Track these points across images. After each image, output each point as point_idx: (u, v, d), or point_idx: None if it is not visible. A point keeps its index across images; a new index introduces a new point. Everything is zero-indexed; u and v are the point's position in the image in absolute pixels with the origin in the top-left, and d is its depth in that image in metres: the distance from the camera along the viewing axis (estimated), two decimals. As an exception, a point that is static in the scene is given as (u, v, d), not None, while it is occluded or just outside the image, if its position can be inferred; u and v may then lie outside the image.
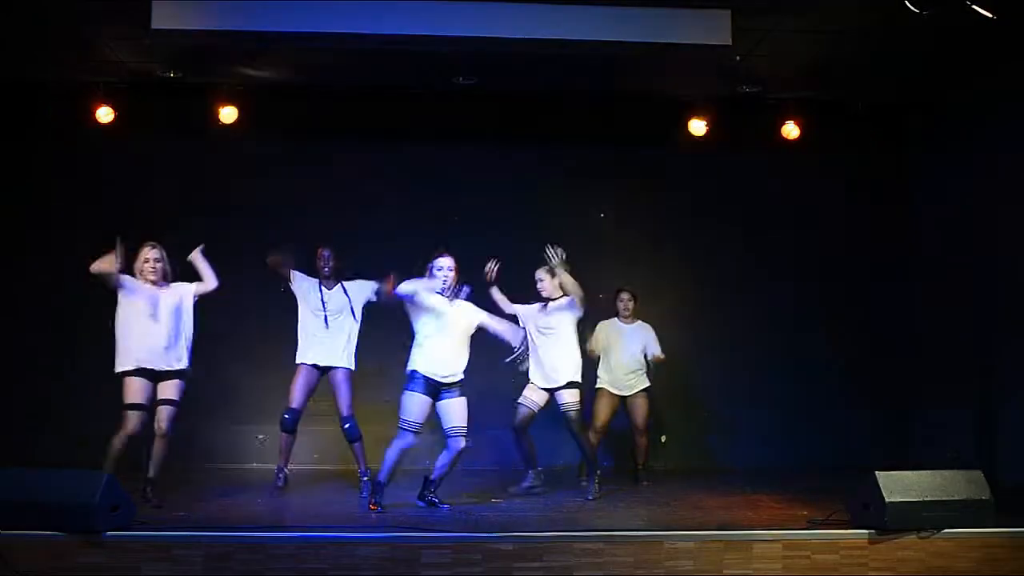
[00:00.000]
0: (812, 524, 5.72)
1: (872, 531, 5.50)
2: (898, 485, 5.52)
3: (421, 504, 6.38)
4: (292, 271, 7.07)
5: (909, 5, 5.88)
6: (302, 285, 7.09)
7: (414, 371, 6.25)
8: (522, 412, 7.10)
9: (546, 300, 7.11)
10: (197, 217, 8.45)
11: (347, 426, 7.01)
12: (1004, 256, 7.73)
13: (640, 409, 7.64)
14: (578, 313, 7.00)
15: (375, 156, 8.83)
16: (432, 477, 6.42)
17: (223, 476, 7.78)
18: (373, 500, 6.27)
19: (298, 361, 7.06)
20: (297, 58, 7.75)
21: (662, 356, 7.63)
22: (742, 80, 8.20)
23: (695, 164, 8.97)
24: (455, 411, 6.32)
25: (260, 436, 8.58)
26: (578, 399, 6.99)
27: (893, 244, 9.10)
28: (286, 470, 7.07)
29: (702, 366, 8.86)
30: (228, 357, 8.20)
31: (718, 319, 8.94)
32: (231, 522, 5.84)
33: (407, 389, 6.23)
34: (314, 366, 7.03)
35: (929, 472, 5.67)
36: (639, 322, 7.76)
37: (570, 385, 6.97)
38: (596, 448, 7.35)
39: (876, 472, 5.56)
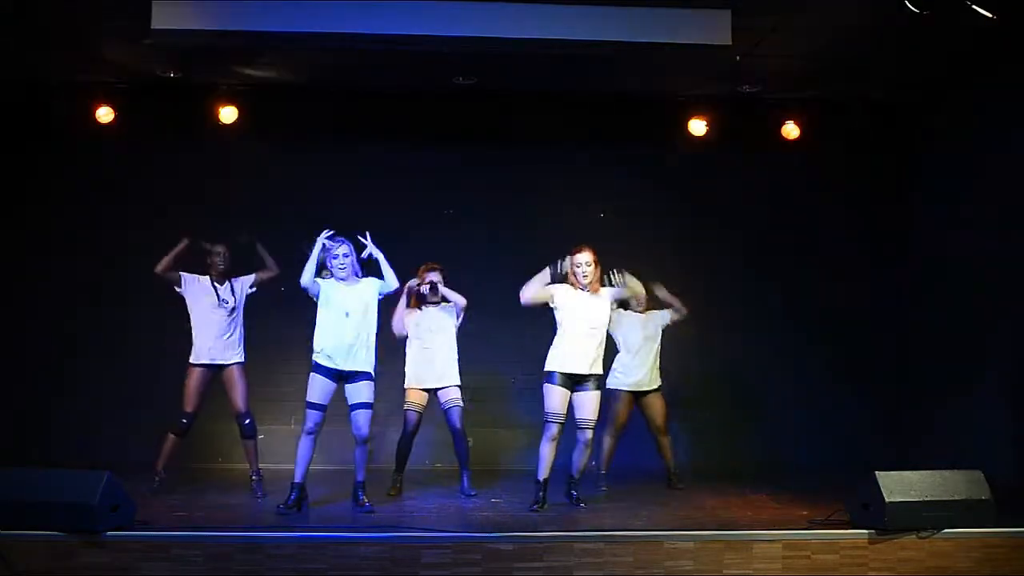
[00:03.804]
0: (812, 524, 5.73)
1: (872, 531, 5.50)
2: (898, 485, 5.52)
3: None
4: (182, 275, 6.94)
5: (909, 5, 5.89)
6: (193, 286, 6.97)
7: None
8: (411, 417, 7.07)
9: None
10: (197, 217, 8.45)
11: (246, 422, 6.95)
12: (1003, 256, 7.73)
13: (658, 408, 7.45)
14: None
15: (375, 156, 8.83)
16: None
17: (223, 476, 7.78)
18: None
19: (192, 362, 6.91)
20: (297, 58, 7.76)
21: (683, 310, 7.46)
22: (742, 80, 8.20)
23: (695, 164, 8.97)
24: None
25: (260, 435, 8.59)
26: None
27: (893, 244, 9.11)
28: (163, 474, 6.85)
29: (701, 366, 8.86)
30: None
31: (717, 319, 8.94)
32: (231, 522, 5.84)
33: None
34: (208, 366, 6.91)
35: (929, 472, 5.67)
36: (652, 311, 7.54)
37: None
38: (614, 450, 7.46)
39: (876, 472, 5.56)
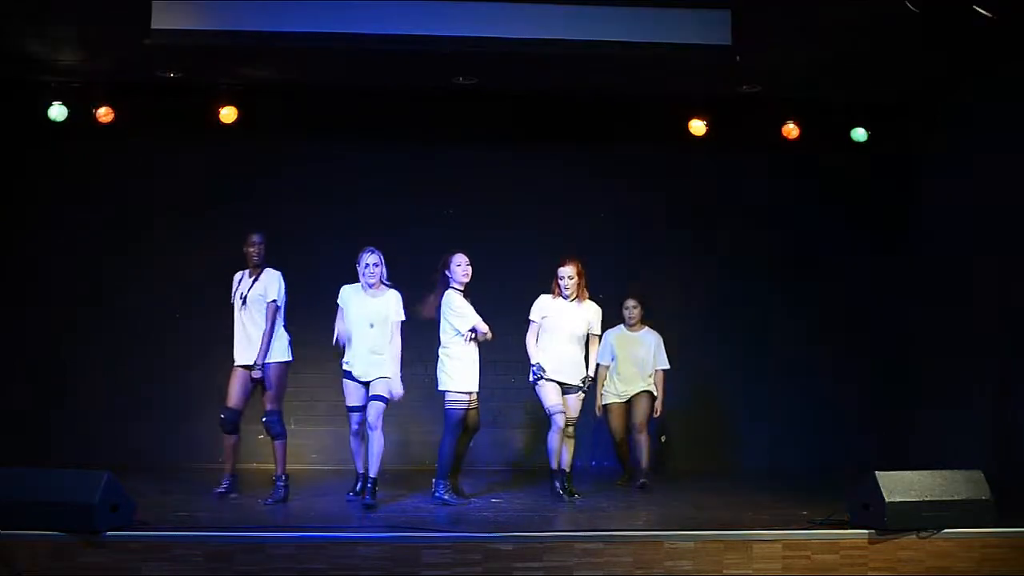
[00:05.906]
0: (812, 524, 5.72)
1: (872, 531, 5.50)
2: (898, 485, 5.52)
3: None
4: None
5: (908, 4, 5.89)
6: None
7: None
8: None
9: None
10: (196, 217, 8.47)
11: (264, 419, 6.66)
12: (1004, 256, 7.73)
13: (640, 407, 7.47)
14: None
15: (375, 156, 8.82)
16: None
17: (223, 476, 7.77)
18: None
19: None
20: (297, 58, 7.75)
21: (667, 367, 7.60)
22: (742, 80, 8.20)
23: (695, 164, 8.97)
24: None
25: (260, 436, 8.59)
26: None
27: (893, 244, 9.10)
28: (231, 474, 6.77)
29: (702, 366, 8.86)
30: (227, 356, 8.19)
31: (717, 319, 8.95)
32: (231, 522, 5.83)
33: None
34: (242, 366, 6.66)
35: (929, 472, 5.67)
36: (646, 328, 7.65)
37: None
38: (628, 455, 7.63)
39: (876, 472, 5.56)
